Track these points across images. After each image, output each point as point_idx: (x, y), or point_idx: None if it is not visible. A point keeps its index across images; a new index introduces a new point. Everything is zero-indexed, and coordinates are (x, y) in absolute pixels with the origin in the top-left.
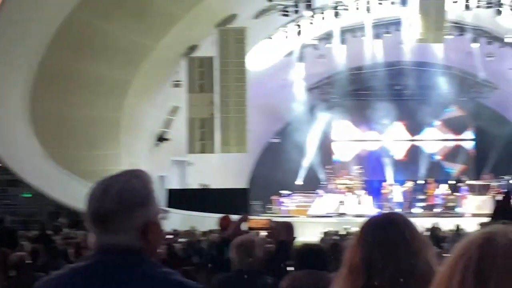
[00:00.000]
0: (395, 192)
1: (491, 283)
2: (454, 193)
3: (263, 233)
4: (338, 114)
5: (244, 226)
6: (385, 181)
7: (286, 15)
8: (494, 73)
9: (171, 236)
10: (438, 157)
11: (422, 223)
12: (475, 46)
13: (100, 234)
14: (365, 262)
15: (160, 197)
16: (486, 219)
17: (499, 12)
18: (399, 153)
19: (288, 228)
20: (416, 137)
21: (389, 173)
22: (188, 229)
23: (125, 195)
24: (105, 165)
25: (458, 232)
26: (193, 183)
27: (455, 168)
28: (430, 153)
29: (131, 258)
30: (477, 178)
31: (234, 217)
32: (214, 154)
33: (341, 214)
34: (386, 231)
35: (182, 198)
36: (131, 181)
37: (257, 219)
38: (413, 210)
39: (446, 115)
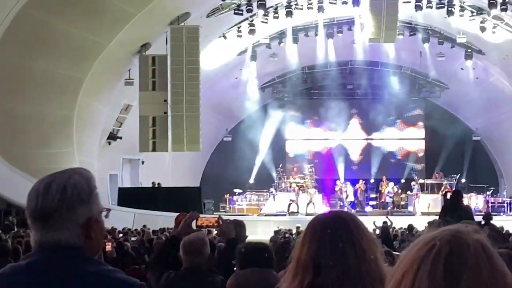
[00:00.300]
0: (348, 191)
1: (462, 280)
2: (406, 192)
3: (214, 231)
4: (291, 112)
5: (194, 224)
6: (338, 179)
7: (240, 14)
8: (445, 72)
9: (122, 235)
10: (391, 156)
11: (373, 222)
12: (426, 46)
13: (42, 231)
14: (313, 259)
15: (112, 196)
16: (436, 217)
17: (450, 13)
18: (353, 152)
19: (238, 226)
20: (370, 136)
21: (342, 172)
22: (140, 227)
23: (67, 193)
24: (57, 164)
25: (410, 231)
26: (146, 182)
27: (407, 167)
28: (383, 152)
29: (73, 255)
30: (429, 177)
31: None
32: (167, 153)
33: (293, 213)
34: (334, 229)
35: (134, 197)
36: (74, 178)
37: (207, 217)
38: (366, 209)
39: (400, 115)
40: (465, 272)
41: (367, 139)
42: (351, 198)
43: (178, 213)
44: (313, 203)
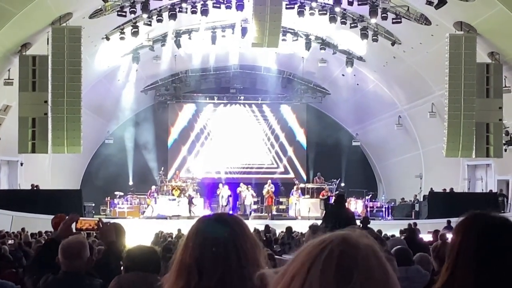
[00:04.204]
0: (229, 195)
1: (353, 281)
2: (287, 196)
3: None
4: (173, 115)
5: (73, 227)
6: (220, 183)
7: (123, 16)
8: (327, 78)
9: None
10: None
11: (255, 225)
12: (308, 52)
13: None
14: (195, 262)
15: None
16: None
17: (333, 19)
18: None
19: (117, 229)
20: None
21: (223, 175)
22: (18, 230)
23: None
24: None
25: (289, 233)
26: (25, 184)
27: (290, 171)
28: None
29: None
30: (308, 181)
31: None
32: (47, 155)
33: (174, 216)
34: (217, 231)
35: (12, 199)
36: None
37: (86, 219)
38: (248, 212)
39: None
40: (356, 273)
41: None
42: (230, 201)
43: None
44: (192, 205)
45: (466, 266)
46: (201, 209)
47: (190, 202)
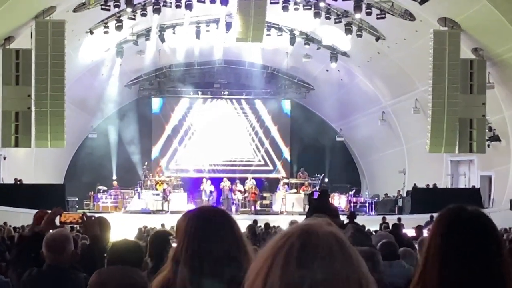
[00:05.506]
0: (212, 190)
1: (314, 270)
2: (271, 191)
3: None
4: (157, 109)
5: (57, 221)
6: (202, 178)
7: (107, 10)
8: (311, 74)
9: None
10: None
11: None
12: (292, 47)
13: None
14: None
15: None
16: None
17: (317, 15)
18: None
19: (102, 223)
20: None
21: (207, 170)
22: (0, 224)
23: None
24: None
25: (266, 229)
26: (8, 178)
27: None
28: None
29: None
30: (292, 177)
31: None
32: (30, 149)
33: (158, 211)
34: (216, 220)
35: None
36: None
37: (70, 213)
38: (233, 208)
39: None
40: (317, 262)
41: None
42: (215, 196)
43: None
44: (178, 201)
45: (433, 260)
46: (185, 204)
47: (165, 197)
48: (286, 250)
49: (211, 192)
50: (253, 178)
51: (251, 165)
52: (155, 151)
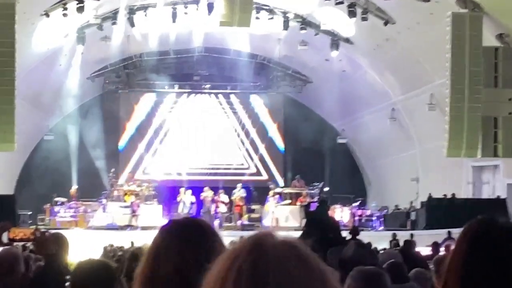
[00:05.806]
0: (192, 201)
1: (268, 286)
2: (260, 203)
3: (30, 246)
4: (125, 106)
5: (5, 237)
6: (181, 187)
7: None
8: (308, 64)
9: None
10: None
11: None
12: (286, 32)
13: None
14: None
15: None
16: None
17: None
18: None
19: (58, 240)
20: None
21: (186, 179)
22: None
23: None
24: None
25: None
26: None
27: (263, 173)
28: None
29: None
30: (286, 186)
31: None
32: None
33: (127, 226)
34: (197, 235)
35: None
36: None
37: (21, 228)
38: (215, 222)
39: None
40: (272, 278)
41: None
42: (194, 209)
43: None
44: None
45: (454, 282)
46: (159, 218)
47: (134, 211)
48: (236, 271)
49: (191, 203)
50: (241, 187)
51: (235, 171)
52: (125, 156)
